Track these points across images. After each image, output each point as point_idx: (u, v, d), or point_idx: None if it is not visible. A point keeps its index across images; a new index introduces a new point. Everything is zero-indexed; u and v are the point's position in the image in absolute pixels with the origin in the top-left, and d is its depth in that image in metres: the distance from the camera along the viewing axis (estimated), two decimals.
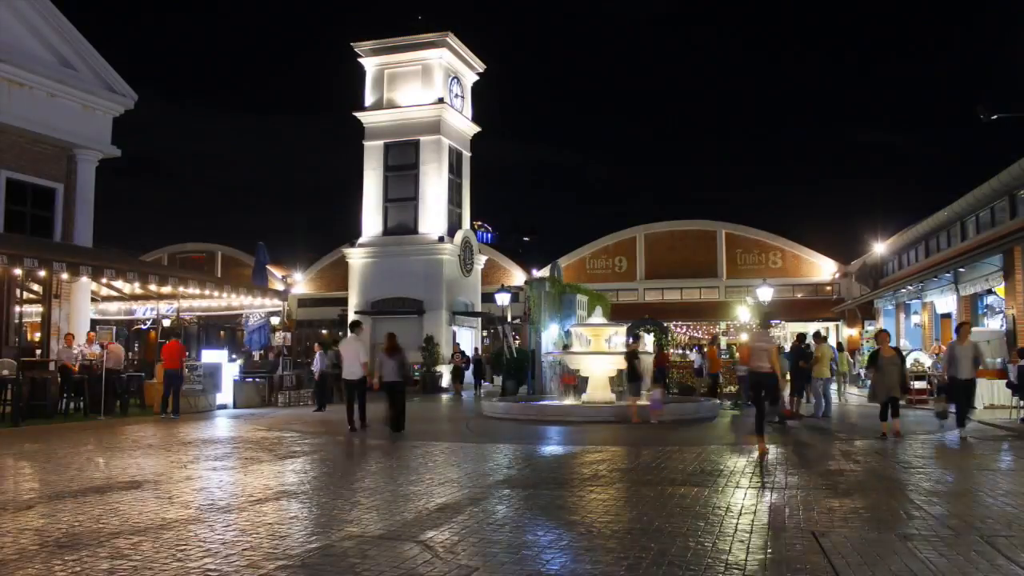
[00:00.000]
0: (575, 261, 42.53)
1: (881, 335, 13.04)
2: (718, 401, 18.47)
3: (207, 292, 19.74)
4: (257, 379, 21.32)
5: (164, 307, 22.10)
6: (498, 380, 28.40)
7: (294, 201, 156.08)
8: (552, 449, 11.48)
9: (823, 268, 39.96)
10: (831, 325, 38.08)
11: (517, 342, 30.14)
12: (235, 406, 19.38)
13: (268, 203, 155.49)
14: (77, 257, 15.76)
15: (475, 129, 35.55)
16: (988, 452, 10.76)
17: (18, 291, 17.49)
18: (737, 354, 19.92)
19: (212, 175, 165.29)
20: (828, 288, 39.61)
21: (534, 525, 5.97)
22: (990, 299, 22.32)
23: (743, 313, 34.50)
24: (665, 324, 29.15)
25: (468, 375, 28.83)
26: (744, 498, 6.96)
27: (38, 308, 19.50)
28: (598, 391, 16.95)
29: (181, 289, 18.26)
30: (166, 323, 23.21)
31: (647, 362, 17.07)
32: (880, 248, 33.80)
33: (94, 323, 21.24)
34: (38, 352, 17.83)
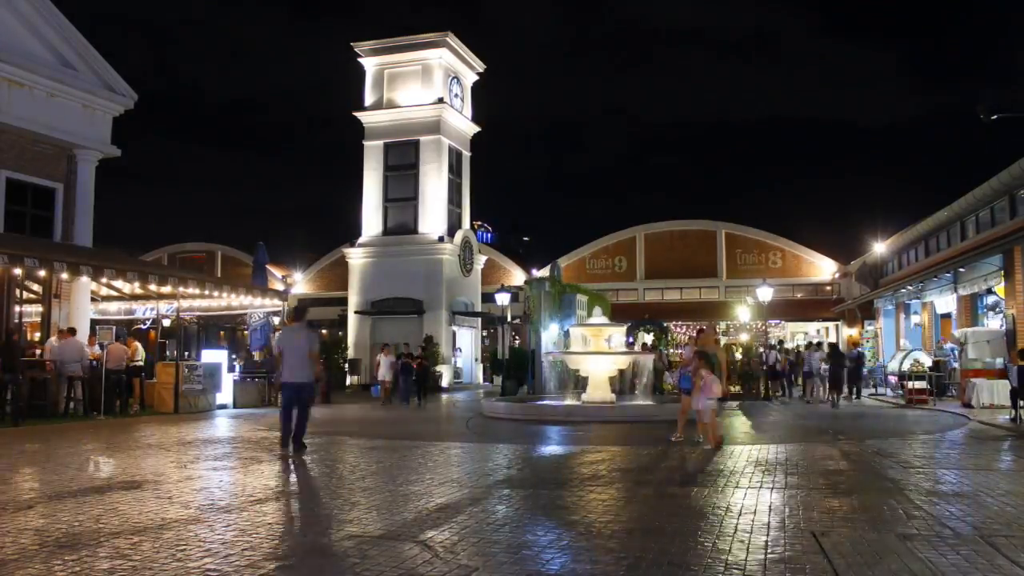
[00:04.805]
0: (575, 261, 42.48)
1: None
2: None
3: (207, 292, 19.75)
4: (257, 379, 21.33)
5: (164, 307, 22.10)
6: (498, 379, 28.38)
7: (293, 200, 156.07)
8: (552, 449, 11.49)
9: (823, 268, 39.93)
10: (831, 325, 38.13)
11: (517, 342, 30.15)
12: (235, 406, 19.39)
13: (267, 202, 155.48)
14: (77, 257, 15.76)
15: (475, 129, 35.52)
16: (988, 452, 10.76)
17: (18, 291, 17.48)
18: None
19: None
20: (828, 288, 39.58)
21: (534, 525, 5.97)
22: (990, 299, 22.30)
23: (743, 313, 34.52)
24: (665, 324, 29.09)
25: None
26: (744, 498, 6.95)
27: (38, 308, 19.50)
28: (598, 391, 16.94)
29: (181, 289, 18.27)
30: (166, 323, 23.21)
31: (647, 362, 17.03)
32: (880, 248, 33.77)
33: (94, 323, 21.23)
34: (38, 352, 17.83)
